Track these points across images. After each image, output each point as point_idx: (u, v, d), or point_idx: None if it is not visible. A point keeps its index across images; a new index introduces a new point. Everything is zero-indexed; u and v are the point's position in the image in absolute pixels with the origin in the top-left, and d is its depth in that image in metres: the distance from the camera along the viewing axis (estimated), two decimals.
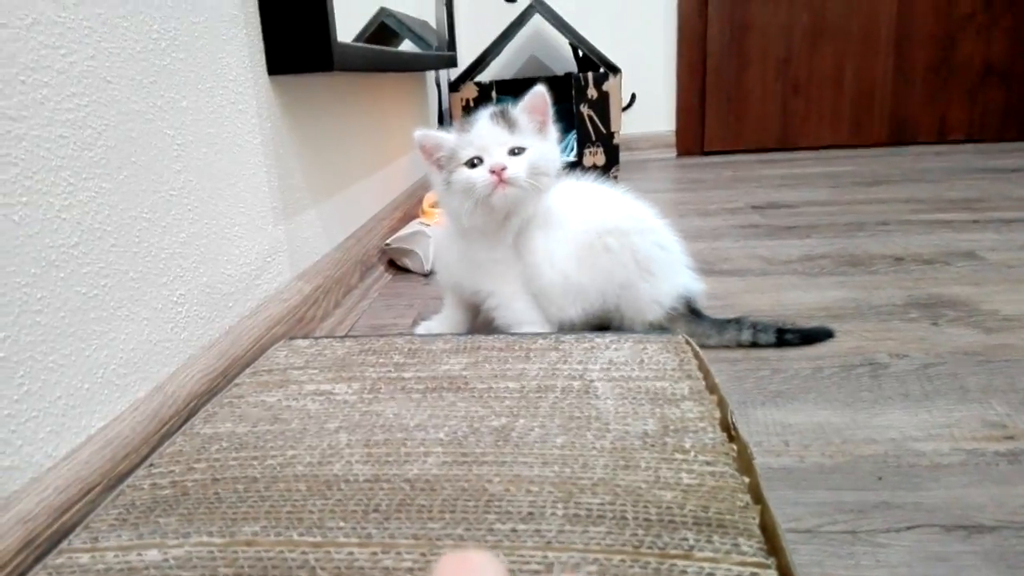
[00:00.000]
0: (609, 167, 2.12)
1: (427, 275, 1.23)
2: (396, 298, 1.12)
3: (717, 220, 1.53)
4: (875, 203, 1.66)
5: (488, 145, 0.81)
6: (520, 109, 0.85)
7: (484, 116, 0.83)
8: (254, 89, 0.81)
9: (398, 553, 0.41)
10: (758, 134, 2.58)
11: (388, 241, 1.22)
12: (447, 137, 0.84)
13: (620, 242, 0.86)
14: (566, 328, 0.88)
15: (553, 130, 0.87)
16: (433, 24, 1.76)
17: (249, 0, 0.81)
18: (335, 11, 0.95)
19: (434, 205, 1.42)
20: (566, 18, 2.45)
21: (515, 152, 0.82)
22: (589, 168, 2.12)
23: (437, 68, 1.62)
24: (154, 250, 0.61)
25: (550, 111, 0.86)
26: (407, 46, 1.55)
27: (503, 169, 0.79)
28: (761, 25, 2.49)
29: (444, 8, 1.84)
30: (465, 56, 2.39)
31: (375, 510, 0.45)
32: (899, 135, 2.54)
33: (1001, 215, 1.48)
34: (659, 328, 0.87)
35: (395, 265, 1.26)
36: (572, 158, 2.13)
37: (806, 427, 0.68)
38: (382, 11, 1.41)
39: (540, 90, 0.85)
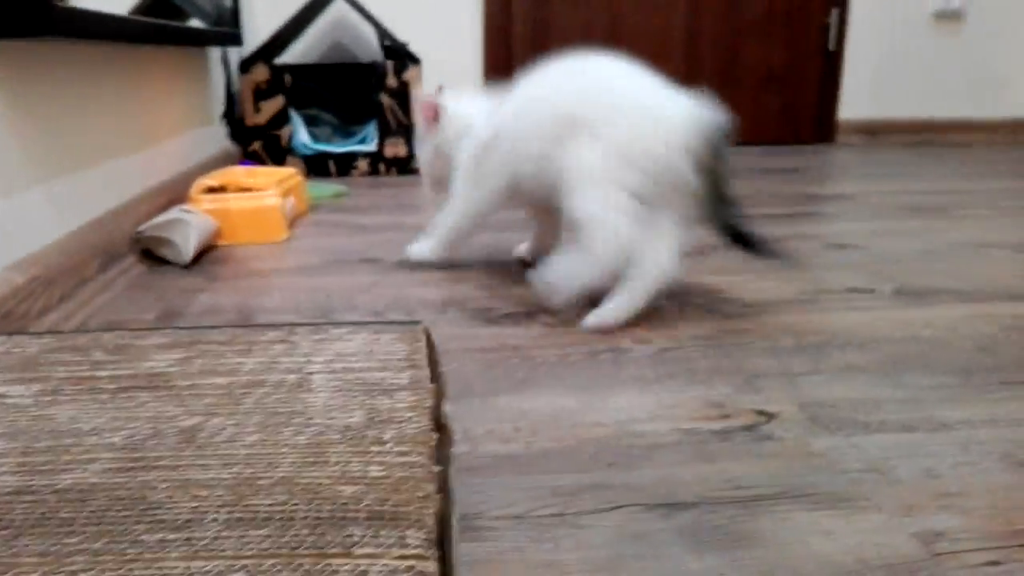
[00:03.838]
0: (410, 159, 2.09)
1: (186, 266, 1.14)
2: (143, 291, 1.03)
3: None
4: None
5: None
6: None
7: None
8: None
9: (18, 573, 0.36)
10: None
11: (141, 228, 1.12)
12: None
13: None
14: None
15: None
16: None
17: None
18: None
19: (205, 191, 1.33)
20: (371, 6, 2.39)
21: None
22: (390, 160, 2.08)
23: (212, 44, 1.52)
24: None
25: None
26: (197, 23, 1.44)
27: None
28: (562, 25, 2.55)
29: None
30: (260, 35, 2.27)
31: (7, 527, 0.39)
32: None
33: (765, 210, 1.59)
34: None
35: (152, 256, 1.16)
36: (372, 148, 2.08)
37: (541, 413, 0.69)
38: None
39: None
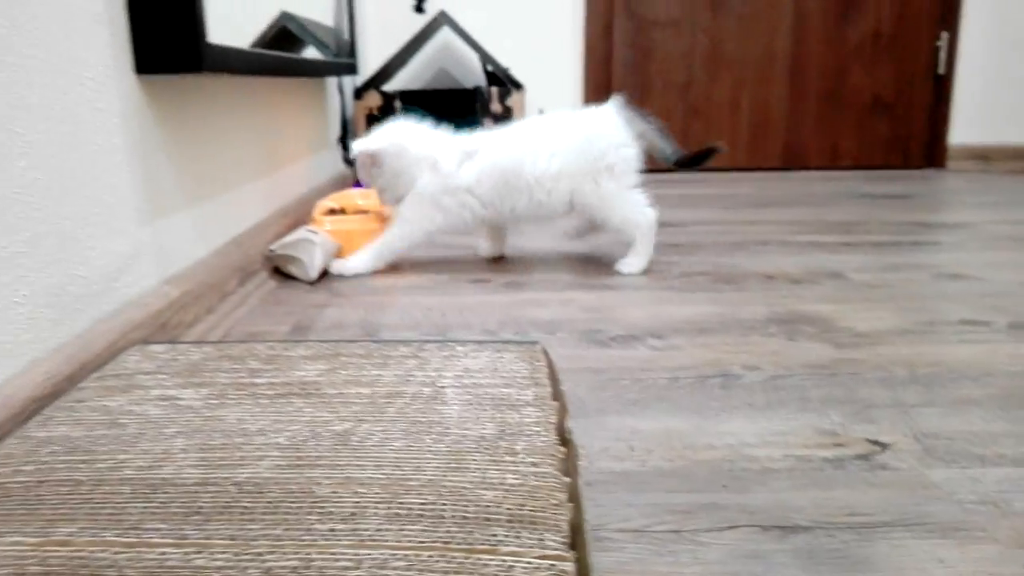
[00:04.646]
0: None
1: (312, 283, 1.22)
2: (276, 306, 1.11)
3: (608, 236, 1.57)
4: (760, 224, 1.73)
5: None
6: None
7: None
8: (118, 88, 0.79)
9: (211, 553, 0.41)
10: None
11: (272, 247, 1.21)
12: None
13: None
14: None
15: None
16: (334, 28, 1.75)
17: (114, 1, 0.79)
18: (231, 14, 0.95)
19: (326, 213, 1.42)
20: (475, 32, 2.48)
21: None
22: None
23: (333, 75, 1.62)
24: None
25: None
26: (312, 52, 1.54)
27: None
28: (663, 51, 2.58)
29: (345, 13, 1.83)
30: (372, 64, 2.39)
31: (197, 512, 0.45)
32: (793, 160, 2.67)
33: (872, 238, 1.57)
34: None
35: (280, 272, 1.25)
36: None
37: (653, 434, 0.71)
38: (284, 15, 1.40)
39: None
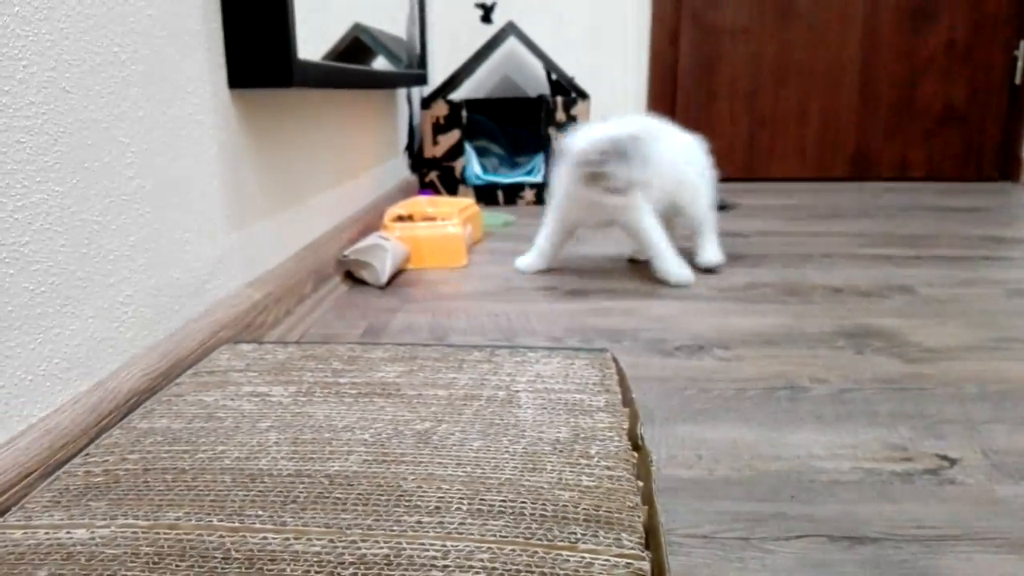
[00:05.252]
0: None
1: (383, 287, 1.26)
2: (349, 309, 1.15)
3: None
4: (827, 236, 1.72)
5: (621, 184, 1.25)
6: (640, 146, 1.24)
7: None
8: (213, 101, 0.84)
9: (308, 539, 0.44)
10: (724, 164, 2.65)
11: (345, 253, 1.25)
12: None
13: None
14: None
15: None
16: (405, 40, 1.80)
17: (212, 18, 0.84)
18: (307, 26, 0.99)
19: (396, 220, 1.46)
20: (540, 42, 2.51)
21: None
22: None
23: (405, 86, 1.67)
24: (103, 251, 0.64)
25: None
26: (381, 62, 1.59)
27: None
28: (730, 59, 2.57)
29: (416, 26, 1.88)
30: (439, 73, 2.44)
31: (293, 501, 0.48)
32: (861, 170, 2.62)
33: (943, 252, 1.54)
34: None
35: (352, 277, 1.29)
36: (539, 179, 2.18)
37: (721, 443, 0.73)
38: (356, 27, 1.45)
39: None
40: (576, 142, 1.28)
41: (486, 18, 2.50)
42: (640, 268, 1.43)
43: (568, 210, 1.36)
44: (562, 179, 1.34)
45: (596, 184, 1.26)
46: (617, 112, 2.59)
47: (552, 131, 2.14)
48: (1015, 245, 1.62)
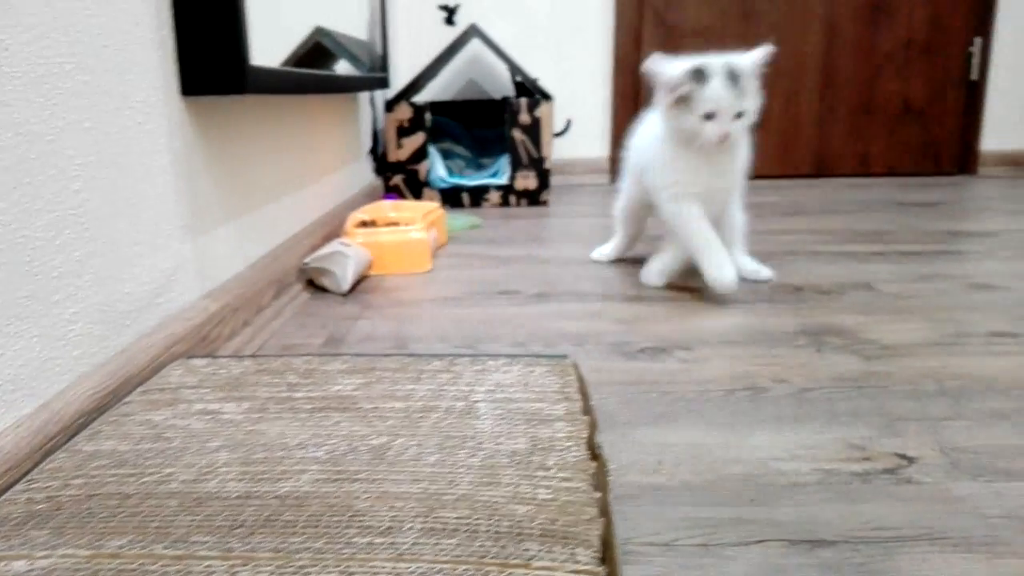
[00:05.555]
0: (540, 191, 2.17)
1: (345, 295, 1.25)
2: (310, 318, 1.14)
3: (638, 248, 1.57)
4: (789, 233, 1.73)
5: (721, 109, 1.12)
6: (748, 75, 1.15)
7: (719, 76, 1.11)
8: (165, 110, 0.82)
9: (256, 565, 0.43)
10: None
11: (306, 260, 1.23)
12: (685, 84, 1.13)
13: None
14: None
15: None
16: (367, 43, 1.78)
17: (164, 25, 0.82)
18: (265, 31, 0.98)
19: (358, 225, 1.44)
20: (504, 44, 2.50)
21: (739, 116, 1.13)
22: (520, 192, 2.16)
23: (366, 89, 1.65)
24: (46, 269, 0.62)
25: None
26: (344, 65, 1.57)
27: (728, 133, 1.13)
28: None
29: (378, 28, 1.86)
30: (402, 76, 2.42)
31: (241, 525, 0.47)
32: (823, 167, 2.65)
33: (903, 247, 1.56)
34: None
35: (314, 285, 1.27)
36: (504, 181, 2.17)
37: (682, 447, 0.72)
38: (318, 31, 1.43)
39: (762, 55, 1.17)
40: (665, 68, 1.16)
41: (449, 20, 2.49)
42: (607, 272, 1.43)
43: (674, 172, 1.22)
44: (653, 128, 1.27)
45: (688, 111, 1.14)
46: (581, 115, 2.59)
47: (517, 133, 2.14)
48: (972, 238, 1.64)
